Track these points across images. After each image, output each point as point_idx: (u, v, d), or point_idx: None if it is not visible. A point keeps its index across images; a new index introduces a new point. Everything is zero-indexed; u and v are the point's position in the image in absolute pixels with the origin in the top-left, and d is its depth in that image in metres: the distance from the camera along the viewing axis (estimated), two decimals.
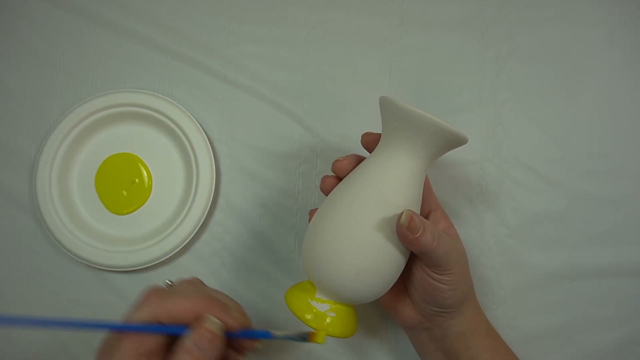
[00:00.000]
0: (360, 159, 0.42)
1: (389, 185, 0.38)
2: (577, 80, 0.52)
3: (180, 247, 0.50)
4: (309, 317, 0.39)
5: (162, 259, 0.50)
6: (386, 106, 0.39)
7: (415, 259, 0.41)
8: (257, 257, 0.52)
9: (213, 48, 0.54)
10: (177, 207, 0.52)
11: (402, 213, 0.37)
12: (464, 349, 0.42)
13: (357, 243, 0.38)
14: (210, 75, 0.54)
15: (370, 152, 0.42)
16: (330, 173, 0.43)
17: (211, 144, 0.52)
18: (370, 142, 0.42)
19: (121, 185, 0.52)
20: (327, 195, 0.42)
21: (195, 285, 0.38)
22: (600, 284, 0.50)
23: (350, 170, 0.41)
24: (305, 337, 0.36)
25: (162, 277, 0.51)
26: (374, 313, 0.50)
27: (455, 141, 0.39)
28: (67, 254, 0.50)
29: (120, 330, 0.33)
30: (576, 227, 0.51)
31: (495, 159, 0.52)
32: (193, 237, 0.50)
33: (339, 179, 0.42)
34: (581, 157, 0.51)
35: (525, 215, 0.51)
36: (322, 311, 0.39)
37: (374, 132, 0.42)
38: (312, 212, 0.43)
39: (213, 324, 0.33)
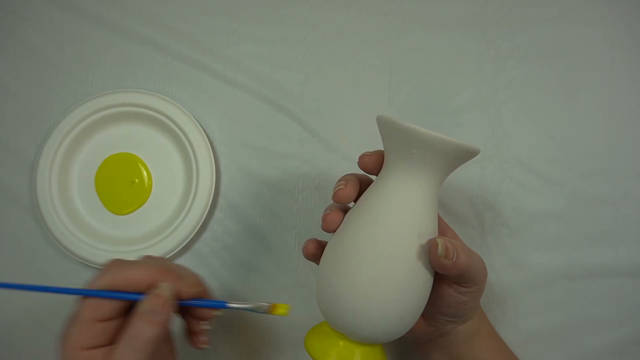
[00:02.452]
0: (360, 182, 0.39)
1: (410, 216, 0.35)
2: (577, 80, 0.52)
3: (180, 247, 0.50)
4: None
5: None
6: (398, 131, 0.35)
7: (439, 277, 0.38)
8: (257, 257, 0.52)
9: (213, 48, 0.54)
10: (177, 207, 0.52)
11: (435, 244, 0.35)
12: (469, 351, 0.41)
13: (394, 285, 0.34)
14: (210, 75, 0.54)
15: (369, 173, 0.39)
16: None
17: (211, 144, 0.52)
18: (372, 164, 0.38)
19: (121, 185, 0.52)
20: (333, 232, 0.38)
21: (156, 259, 0.40)
22: (600, 284, 0.50)
23: (354, 198, 0.38)
24: (266, 309, 0.37)
25: None
26: None
27: (470, 157, 0.36)
28: (67, 254, 0.50)
29: (79, 293, 0.35)
30: (576, 227, 0.51)
31: (495, 159, 0.52)
32: (193, 237, 0.50)
33: (342, 210, 0.39)
34: (581, 157, 0.51)
35: (525, 215, 0.51)
36: (345, 356, 0.36)
37: (371, 151, 0.39)
38: (309, 245, 0.40)
39: (164, 289, 0.35)
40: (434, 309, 0.39)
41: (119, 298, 0.35)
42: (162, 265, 0.37)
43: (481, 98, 0.52)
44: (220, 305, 0.38)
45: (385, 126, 0.36)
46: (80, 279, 0.51)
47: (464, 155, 0.35)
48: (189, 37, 0.54)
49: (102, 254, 0.50)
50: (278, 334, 0.50)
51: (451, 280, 0.38)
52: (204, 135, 0.51)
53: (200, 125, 0.51)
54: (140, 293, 0.35)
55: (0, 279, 0.52)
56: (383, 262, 0.34)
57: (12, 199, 0.53)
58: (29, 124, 0.53)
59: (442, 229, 0.42)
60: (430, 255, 0.35)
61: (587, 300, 0.50)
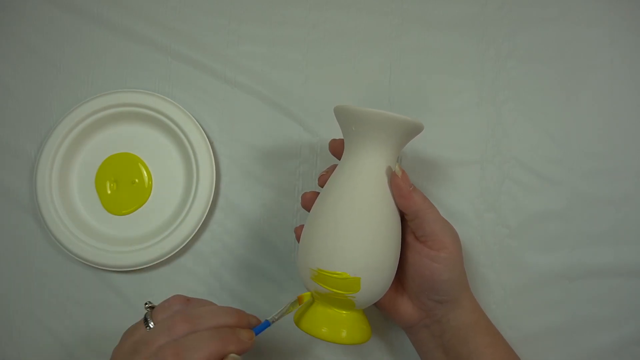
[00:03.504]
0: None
1: (362, 185, 0.40)
2: (577, 80, 0.52)
3: (180, 247, 0.50)
4: (324, 330, 0.40)
5: (162, 259, 0.50)
6: (342, 114, 0.41)
7: (408, 246, 0.42)
8: (257, 257, 0.52)
9: (213, 48, 0.54)
10: (177, 207, 0.52)
11: (393, 166, 0.40)
12: (463, 344, 0.42)
13: (349, 245, 0.39)
14: (210, 75, 0.54)
15: (336, 157, 0.44)
16: (310, 189, 0.45)
17: (211, 144, 0.52)
18: (336, 147, 0.44)
19: (121, 185, 0.52)
20: (309, 210, 0.43)
21: (191, 320, 0.38)
22: (600, 284, 0.50)
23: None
24: (296, 304, 0.41)
25: (162, 277, 0.51)
26: (375, 313, 0.50)
27: (412, 130, 0.41)
28: (67, 254, 0.50)
29: None
30: (576, 227, 0.51)
31: (495, 159, 0.52)
32: (193, 237, 0.50)
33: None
34: (581, 157, 0.51)
35: (525, 215, 0.51)
36: (336, 324, 0.40)
37: (337, 138, 0.45)
38: (298, 230, 0.45)
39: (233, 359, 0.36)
40: (414, 284, 0.42)
41: None
42: (218, 334, 0.37)
43: (481, 98, 0.52)
44: (267, 325, 0.40)
45: (336, 115, 0.42)
46: (80, 279, 0.52)
47: (398, 126, 0.40)
48: (189, 37, 0.54)
49: (102, 254, 0.50)
50: (279, 335, 0.50)
51: (416, 239, 0.42)
52: (204, 135, 0.51)
53: (200, 125, 0.51)
54: None
55: (0, 279, 0.52)
56: (342, 231, 0.39)
57: (12, 199, 0.53)
58: (29, 124, 0.53)
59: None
60: (392, 176, 0.40)
61: (587, 300, 0.50)
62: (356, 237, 0.39)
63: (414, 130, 0.41)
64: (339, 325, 0.40)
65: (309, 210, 0.43)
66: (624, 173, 0.51)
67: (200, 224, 0.50)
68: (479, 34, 0.53)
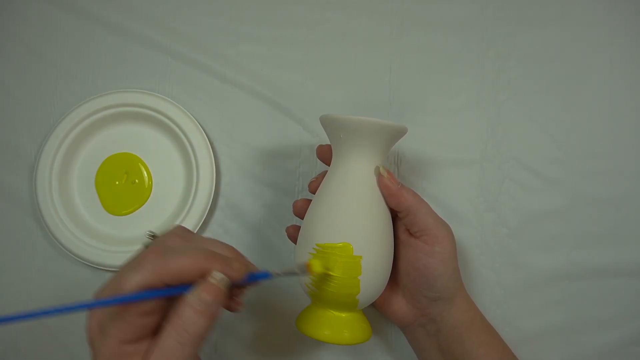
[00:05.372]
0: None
1: (354, 189, 0.41)
2: (577, 80, 0.52)
3: None
4: (326, 333, 0.40)
5: None
6: (328, 123, 0.42)
7: (402, 243, 0.43)
8: (257, 257, 0.52)
9: (213, 48, 0.54)
10: (177, 207, 0.52)
11: (378, 168, 0.41)
12: (458, 344, 0.42)
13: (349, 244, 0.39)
14: (210, 75, 0.54)
15: (324, 162, 0.45)
16: (301, 196, 0.45)
17: (211, 144, 0.52)
18: (324, 153, 0.45)
19: (121, 185, 0.52)
20: (301, 217, 0.43)
21: (187, 238, 0.36)
22: (600, 284, 0.50)
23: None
24: (304, 269, 0.38)
25: None
26: (373, 313, 0.50)
27: (398, 133, 0.42)
28: (67, 254, 0.50)
29: (115, 303, 0.31)
30: (576, 227, 0.51)
31: (495, 159, 0.52)
32: None
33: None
34: (581, 157, 0.51)
35: (525, 215, 0.51)
36: (337, 325, 0.41)
37: (324, 144, 0.45)
38: (290, 230, 0.46)
39: (218, 278, 0.32)
40: (409, 280, 0.42)
41: (163, 296, 0.31)
42: (205, 250, 0.33)
43: (481, 98, 0.52)
44: (266, 276, 0.36)
45: (323, 124, 0.43)
46: (80, 279, 0.52)
47: (383, 131, 0.40)
48: (189, 37, 0.54)
49: (102, 254, 0.50)
50: (278, 332, 0.50)
51: (410, 235, 0.42)
52: (204, 135, 0.51)
53: (200, 125, 0.51)
54: (186, 285, 0.32)
55: (0, 279, 0.52)
56: (333, 223, 0.40)
57: (12, 199, 0.53)
58: (29, 124, 0.53)
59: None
60: (378, 178, 0.41)
61: (587, 300, 0.50)
62: (351, 240, 0.39)
63: (398, 133, 0.42)
64: (340, 326, 0.41)
65: (301, 218, 0.43)
66: (624, 173, 0.51)
67: (200, 224, 0.50)
68: (479, 34, 0.53)
